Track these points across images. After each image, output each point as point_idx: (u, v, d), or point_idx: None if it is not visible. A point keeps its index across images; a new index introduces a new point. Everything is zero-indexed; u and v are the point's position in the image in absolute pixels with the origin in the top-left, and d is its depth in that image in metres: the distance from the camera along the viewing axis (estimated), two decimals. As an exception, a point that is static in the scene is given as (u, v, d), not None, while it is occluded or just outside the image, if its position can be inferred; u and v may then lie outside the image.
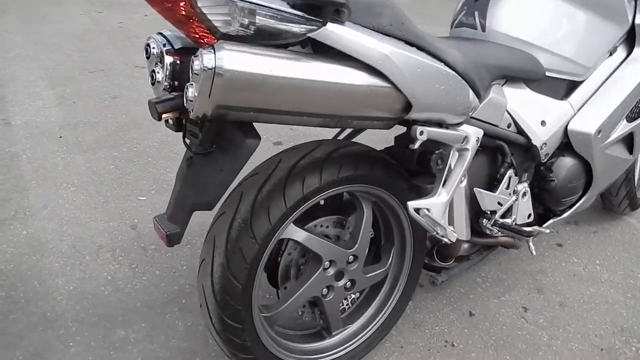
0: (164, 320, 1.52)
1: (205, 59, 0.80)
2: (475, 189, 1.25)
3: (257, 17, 0.82)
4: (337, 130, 1.46)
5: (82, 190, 2.11)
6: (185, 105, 0.86)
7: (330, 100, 0.92)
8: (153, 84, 0.97)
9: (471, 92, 1.09)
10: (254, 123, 0.97)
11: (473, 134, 1.14)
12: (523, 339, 1.52)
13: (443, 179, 1.12)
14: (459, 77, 1.05)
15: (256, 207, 1.04)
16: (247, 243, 1.04)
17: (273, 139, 2.61)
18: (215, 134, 0.96)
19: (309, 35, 0.86)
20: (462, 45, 1.16)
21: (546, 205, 1.47)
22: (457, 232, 1.27)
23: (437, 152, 1.09)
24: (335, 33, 0.88)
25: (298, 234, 1.13)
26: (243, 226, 1.04)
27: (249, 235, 1.04)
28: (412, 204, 1.10)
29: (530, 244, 1.37)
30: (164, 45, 0.96)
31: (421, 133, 1.03)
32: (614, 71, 1.42)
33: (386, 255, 1.36)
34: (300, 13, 0.85)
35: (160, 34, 0.99)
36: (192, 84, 0.84)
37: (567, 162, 1.41)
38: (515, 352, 1.47)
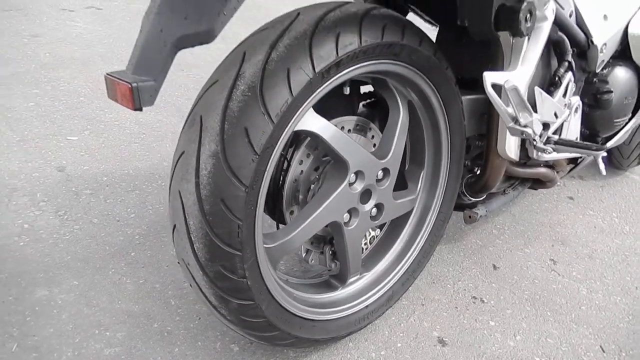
0: (105, 278, 1.10)
1: None
2: (536, 89, 0.97)
3: None
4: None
5: (-11, 127, 1.62)
6: None
7: None
8: None
9: None
10: None
11: (551, 2, 0.86)
12: (560, 292, 1.26)
13: (524, 52, 0.82)
14: None
15: (269, 69, 0.68)
16: (256, 120, 0.68)
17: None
18: None
19: None
20: None
21: (594, 127, 1.22)
22: (508, 149, 0.99)
23: (527, 2, 0.79)
24: None
25: (322, 126, 0.79)
26: (249, 96, 0.68)
27: (259, 108, 0.68)
28: (489, 76, 0.78)
29: (601, 163, 1.11)
30: None
31: None
32: None
33: (414, 181, 1.05)
34: None
35: None
36: None
37: (623, 73, 1.17)
38: (555, 308, 1.21)
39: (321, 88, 0.73)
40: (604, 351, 1.10)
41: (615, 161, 1.85)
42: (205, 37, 0.62)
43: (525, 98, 0.83)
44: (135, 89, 0.61)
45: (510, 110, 0.81)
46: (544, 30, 0.86)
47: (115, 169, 1.50)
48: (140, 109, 0.63)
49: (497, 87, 0.80)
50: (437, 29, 1.13)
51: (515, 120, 0.82)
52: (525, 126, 0.84)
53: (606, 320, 1.19)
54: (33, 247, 1.16)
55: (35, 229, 1.22)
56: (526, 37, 0.83)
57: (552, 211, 1.62)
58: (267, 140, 0.69)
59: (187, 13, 0.62)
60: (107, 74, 0.66)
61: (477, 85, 0.92)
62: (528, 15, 0.79)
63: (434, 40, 0.92)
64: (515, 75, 0.83)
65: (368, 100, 1.00)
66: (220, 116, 0.68)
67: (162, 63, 0.64)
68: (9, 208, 1.27)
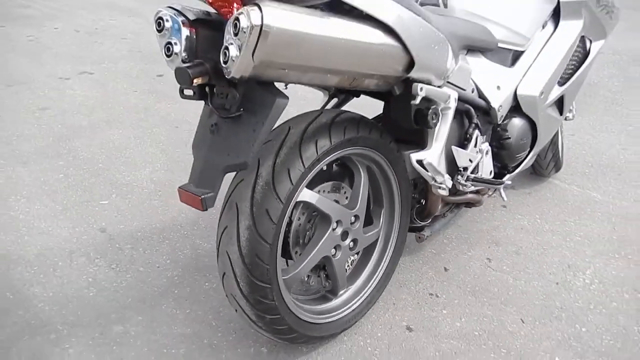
0: (161, 312, 1.50)
1: (253, 17, 0.86)
2: (453, 147, 1.42)
3: None
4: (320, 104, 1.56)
5: (34, 200, 1.98)
6: (224, 66, 0.91)
7: (353, 56, 1.02)
8: (169, 56, 1.00)
9: (451, 54, 1.25)
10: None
11: (452, 94, 1.31)
12: (493, 283, 1.71)
13: (436, 134, 1.27)
14: (446, 40, 1.21)
15: (277, 170, 1.10)
16: (272, 204, 1.10)
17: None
18: (242, 97, 1.01)
19: None
20: (436, 17, 1.33)
21: (503, 161, 1.68)
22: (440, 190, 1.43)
23: (432, 108, 1.24)
24: None
25: (311, 196, 1.21)
26: (267, 188, 1.10)
27: (273, 196, 1.10)
28: (414, 156, 1.23)
29: (502, 191, 1.56)
30: (179, 17, 1.00)
31: (421, 89, 1.17)
32: (546, 42, 1.68)
33: (377, 217, 1.48)
34: None
35: (170, 7, 1.03)
36: (231, 44, 0.89)
37: (517, 122, 1.64)
38: (490, 295, 1.65)
39: (309, 175, 1.16)
40: (523, 322, 1.55)
41: (538, 171, 2.33)
42: (244, 166, 1.04)
43: (439, 167, 1.27)
44: (203, 200, 1.02)
45: (429, 175, 1.26)
46: (449, 115, 1.31)
47: (145, 224, 1.89)
48: (206, 210, 1.04)
49: (419, 162, 1.24)
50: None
51: (434, 180, 1.27)
52: (440, 183, 1.28)
53: (526, 300, 1.64)
54: (101, 295, 1.54)
55: (98, 281, 1.60)
56: (439, 122, 1.28)
57: (489, 218, 2.07)
58: (280, 214, 1.11)
59: (228, 152, 1.04)
60: (180, 187, 1.06)
61: (415, 144, 1.36)
62: (434, 115, 1.24)
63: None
64: (430, 153, 1.27)
65: (337, 167, 1.42)
66: (249, 203, 1.09)
67: (216, 182, 1.05)
68: (72, 267, 1.65)
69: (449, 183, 1.32)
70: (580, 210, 2.16)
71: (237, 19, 0.87)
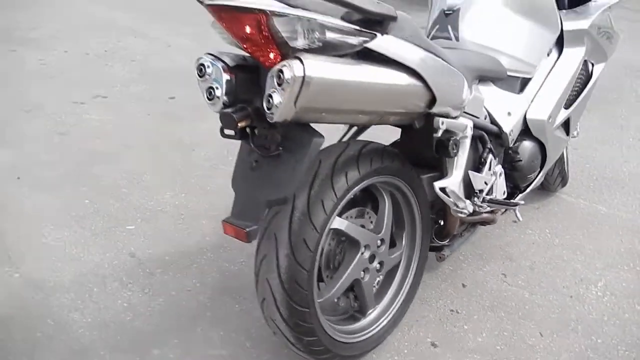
0: (196, 334, 1.57)
1: (296, 69, 0.95)
2: (470, 172, 1.50)
3: (327, 32, 0.99)
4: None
5: (63, 227, 2.05)
6: (268, 112, 1.00)
7: (382, 98, 1.11)
8: (211, 99, 1.09)
9: (466, 87, 1.34)
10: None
11: (469, 123, 1.39)
12: (510, 298, 1.78)
13: (456, 162, 1.35)
14: (462, 75, 1.30)
15: (312, 201, 1.18)
16: (309, 233, 1.18)
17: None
18: (281, 136, 1.09)
19: (365, 45, 1.04)
20: (450, 51, 1.42)
21: (515, 182, 1.77)
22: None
23: (452, 139, 1.32)
24: (385, 42, 1.07)
25: (341, 223, 1.29)
26: (303, 219, 1.18)
27: (310, 226, 1.18)
28: (437, 184, 1.31)
29: (517, 212, 1.64)
30: (219, 63, 1.08)
31: (442, 123, 1.27)
32: (551, 69, 1.77)
33: (399, 239, 1.56)
34: (358, 27, 1.03)
35: (209, 54, 1.12)
36: (274, 92, 0.98)
37: (528, 145, 1.73)
38: (508, 310, 1.73)
39: (340, 204, 1.24)
40: (542, 335, 1.62)
41: (546, 186, 2.41)
42: (284, 201, 1.12)
43: (459, 192, 1.35)
44: (249, 232, 1.10)
45: (452, 201, 1.34)
46: (467, 144, 1.39)
47: (172, 248, 1.96)
48: (251, 242, 1.12)
49: (442, 189, 1.33)
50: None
51: (455, 205, 1.35)
52: (462, 209, 1.37)
53: (543, 314, 1.71)
54: (137, 319, 1.61)
55: (133, 306, 1.67)
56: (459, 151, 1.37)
57: (502, 234, 2.15)
58: (316, 242, 1.19)
59: (269, 187, 1.11)
60: (224, 221, 1.14)
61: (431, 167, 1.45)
62: (454, 146, 1.33)
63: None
64: (451, 180, 1.36)
65: (360, 192, 1.50)
66: (287, 233, 1.17)
67: (259, 215, 1.13)
68: (107, 292, 1.72)
69: (470, 208, 1.40)
70: (588, 223, 2.24)
71: (280, 70, 0.96)
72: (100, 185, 2.38)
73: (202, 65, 1.09)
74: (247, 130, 1.11)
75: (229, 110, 1.04)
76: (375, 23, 1.05)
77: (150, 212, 2.20)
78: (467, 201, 1.39)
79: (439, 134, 1.27)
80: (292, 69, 0.95)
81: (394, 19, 1.06)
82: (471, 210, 1.40)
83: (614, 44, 1.99)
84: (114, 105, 3.31)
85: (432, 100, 1.22)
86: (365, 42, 1.04)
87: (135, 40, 4.61)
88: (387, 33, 1.08)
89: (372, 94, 1.09)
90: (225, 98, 1.08)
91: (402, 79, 1.14)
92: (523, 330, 1.64)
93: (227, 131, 1.14)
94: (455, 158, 1.37)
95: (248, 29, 0.98)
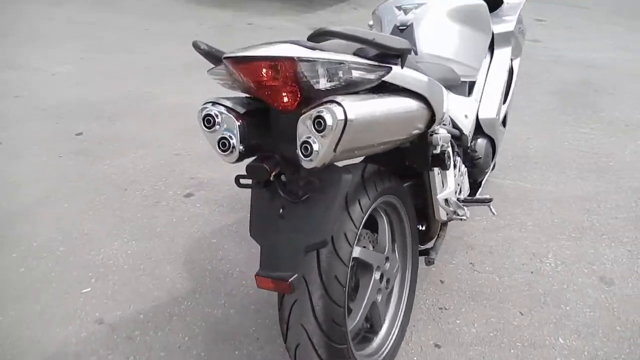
0: (205, 393, 1.46)
1: (337, 113, 0.93)
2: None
3: (353, 72, 0.98)
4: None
5: (3, 308, 1.77)
6: (305, 159, 0.96)
7: (401, 125, 1.14)
8: (225, 150, 1.03)
9: (446, 99, 1.42)
10: None
11: (449, 134, 1.48)
12: (485, 285, 1.93)
13: (448, 173, 1.43)
14: (443, 89, 1.37)
15: (335, 236, 1.17)
16: (338, 268, 1.16)
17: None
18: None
19: (382, 79, 1.06)
20: (423, 66, 1.48)
21: (475, 177, 1.92)
22: (442, 216, 1.59)
23: (446, 152, 1.39)
24: (399, 73, 1.10)
25: (357, 250, 1.30)
26: (330, 256, 1.16)
27: (338, 261, 1.16)
28: (440, 197, 1.37)
29: (491, 206, 1.78)
30: (229, 112, 1.03)
31: (440, 139, 1.33)
32: (488, 69, 1.95)
33: (393, 252, 1.60)
34: (376, 63, 1.04)
35: (210, 102, 1.05)
36: (310, 138, 0.95)
37: (482, 142, 1.89)
38: (486, 296, 1.87)
39: (359, 232, 1.24)
40: (522, 314, 1.78)
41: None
42: (324, 244, 1.08)
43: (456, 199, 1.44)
44: (291, 283, 1.05)
45: (451, 210, 1.42)
46: (451, 153, 1.48)
47: (141, 304, 1.80)
48: (294, 292, 1.07)
49: (446, 201, 1.40)
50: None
51: (455, 214, 1.44)
52: (462, 215, 1.46)
53: (516, 294, 1.88)
54: (133, 393, 1.46)
55: (123, 379, 1.50)
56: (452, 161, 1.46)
57: (455, 225, 2.29)
58: (345, 276, 1.18)
59: (305, 233, 1.08)
60: (258, 275, 1.08)
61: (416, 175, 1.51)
62: (447, 157, 1.40)
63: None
64: (450, 191, 1.44)
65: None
66: (318, 273, 1.15)
67: (299, 263, 1.08)
68: (86, 371, 1.53)
69: (469, 213, 1.49)
70: (521, 200, 2.50)
71: (319, 117, 0.93)
72: (31, 248, 2.09)
73: (210, 115, 1.02)
74: (271, 178, 1.06)
75: (254, 160, 0.99)
76: (390, 57, 1.06)
77: (103, 267, 1.98)
78: (466, 208, 1.48)
79: (438, 150, 1.34)
80: (333, 113, 0.93)
81: (410, 52, 1.09)
82: (469, 216, 1.49)
83: (525, 38, 2.25)
84: (13, 152, 2.91)
85: (432, 119, 1.27)
86: (383, 76, 1.05)
87: (13, 72, 4.08)
88: (404, 65, 1.10)
89: (394, 124, 1.12)
90: (241, 147, 1.02)
91: (413, 104, 1.18)
92: (506, 313, 1.79)
93: (243, 181, 1.08)
94: (451, 168, 1.45)
95: (269, 76, 0.94)
